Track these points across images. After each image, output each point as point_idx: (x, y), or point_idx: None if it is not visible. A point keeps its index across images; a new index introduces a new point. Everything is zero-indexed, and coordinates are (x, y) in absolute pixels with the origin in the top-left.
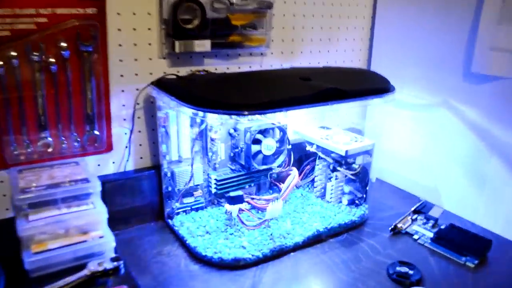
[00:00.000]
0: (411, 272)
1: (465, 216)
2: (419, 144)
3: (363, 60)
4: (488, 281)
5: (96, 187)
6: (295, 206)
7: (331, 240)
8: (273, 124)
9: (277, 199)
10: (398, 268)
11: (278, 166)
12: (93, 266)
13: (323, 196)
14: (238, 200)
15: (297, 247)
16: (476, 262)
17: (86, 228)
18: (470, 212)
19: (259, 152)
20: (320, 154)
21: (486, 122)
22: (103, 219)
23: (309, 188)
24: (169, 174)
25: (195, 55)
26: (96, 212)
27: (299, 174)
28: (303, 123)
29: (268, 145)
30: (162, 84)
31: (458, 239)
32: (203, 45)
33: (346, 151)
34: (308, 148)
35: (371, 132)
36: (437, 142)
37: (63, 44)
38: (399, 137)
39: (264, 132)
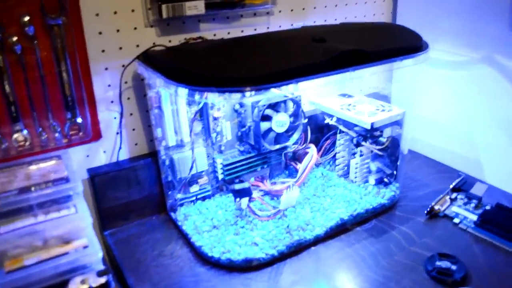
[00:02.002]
0: (454, 267)
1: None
2: (458, 109)
3: (387, 13)
4: None
5: (77, 187)
6: (314, 189)
7: (358, 229)
8: (284, 96)
9: (293, 185)
10: (438, 263)
11: (293, 144)
12: (74, 285)
13: (346, 175)
14: (244, 193)
15: (318, 240)
16: None
17: (68, 237)
18: None
19: (270, 129)
20: (341, 127)
21: None
22: (87, 225)
23: (330, 166)
24: (167, 162)
25: (189, 20)
26: (78, 217)
27: (318, 150)
28: (320, 91)
29: (280, 121)
30: (149, 58)
31: (507, 222)
32: (195, 6)
33: (372, 124)
34: (327, 120)
35: (399, 97)
36: (479, 106)
37: (25, 19)
38: (433, 101)
39: (274, 106)
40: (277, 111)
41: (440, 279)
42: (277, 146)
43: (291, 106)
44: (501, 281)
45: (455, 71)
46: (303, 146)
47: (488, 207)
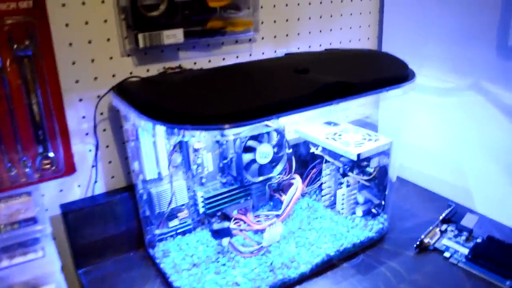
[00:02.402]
0: None
1: (505, 221)
2: (446, 136)
3: (373, 38)
4: None
5: (46, 228)
6: (300, 221)
7: (345, 265)
8: (267, 125)
9: (275, 221)
10: None
11: (277, 175)
12: None
13: (333, 205)
14: (224, 233)
15: (303, 278)
16: None
17: (35, 283)
18: (509, 214)
19: (253, 161)
20: (327, 157)
21: None
22: (55, 270)
23: (317, 196)
24: (145, 196)
25: (167, 49)
26: (46, 262)
27: (304, 180)
28: (304, 119)
29: (264, 152)
30: (124, 90)
31: (500, 256)
32: (174, 35)
33: (358, 155)
34: (313, 150)
35: (386, 124)
36: (468, 133)
37: None
38: (421, 128)
39: (257, 137)
40: (260, 142)
41: None
42: (261, 178)
43: (274, 136)
44: None
45: (442, 98)
46: (288, 176)
47: (479, 240)
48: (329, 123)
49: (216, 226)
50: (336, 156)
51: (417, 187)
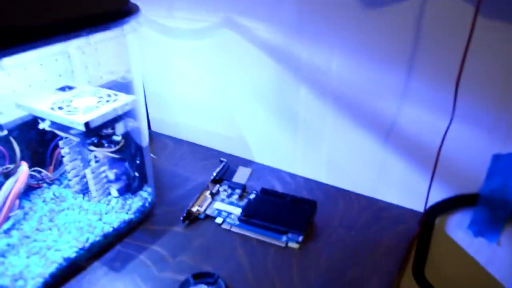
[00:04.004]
0: None
1: (282, 165)
2: (212, 83)
3: None
4: (321, 258)
5: None
6: (38, 219)
7: (95, 265)
8: None
9: None
10: None
11: None
12: None
13: (85, 190)
14: None
15: None
16: (300, 239)
17: None
18: (286, 159)
19: None
20: (58, 132)
21: (285, 40)
22: None
23: (69, 181)
24: None
25: None
26: None
27: (49, 164)
28: (36, 87)
29: None
30: None
31: (273, 210)
32: None
33: (87, 123)
34: (42, 125)
35: (146, 79)
36: (232, 77)
37: None
38: (186, 79)
39: None
40: None
41: None
42: None
43: None
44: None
45: (200, 41)
46: (15, 165)
47: (252, 196)
48: (63, 88)
49: None
50: (67, 129)
51: (193, 146)
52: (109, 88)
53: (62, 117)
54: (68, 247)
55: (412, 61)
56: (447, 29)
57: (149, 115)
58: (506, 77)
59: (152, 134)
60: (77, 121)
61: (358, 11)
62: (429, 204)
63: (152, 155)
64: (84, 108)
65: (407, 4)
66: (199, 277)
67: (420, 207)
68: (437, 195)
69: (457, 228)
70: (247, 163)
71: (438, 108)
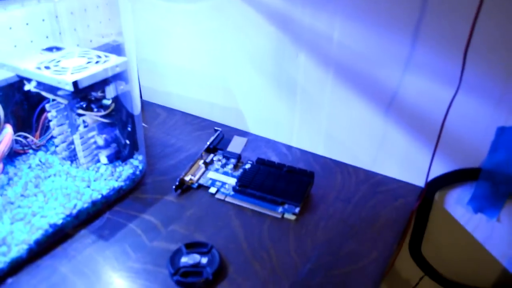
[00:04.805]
0: (204, 260)
1: (278, 137)
2: (207, 50)
3: None
4: (318, 230)
5: None
6: (23, 186)
7: (82, 232)
8: None
9: None
10: (183, 260)
11: None
12: None
13: (73, 156)
14: None
15: (19, 265)
16: (297, 210)
17: None
18: (283, 130)
19: None
20: (44, 94)
21: (286, 4)
22: None
23: (56, 147)
24: None
25: None
26: None
27: (35, 130)
28: (20, 47)
29: None
30: None
31: (269, 181)
32: None
33: (75, 83)
34: (28, 87)
35: (139, 43)
36: (229, 44)
37: None
38: (180, 46)
39: None
40: None
41: (186, 283)
42: None
43: None
44: (264, 264)
45: (194, 3)
46: None
47: (248, 166)
48: (50, 48)
49: None
50: (54, 90)
51: (186, 116)
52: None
53: (49, 77)
54: (55, 214)
55: (418, 27)
56: None
57: (140, 84)
58: None
59: (144, 103)
60: (65, 80)
61: None
62: (430, 178)
63: (143, 124)
64: (73, 68)
65: None
66: (192, 246)
67: (420, 182)
68: (438, 169)
69: (457, 203)
70: (242, 134)
71: (444, 78)
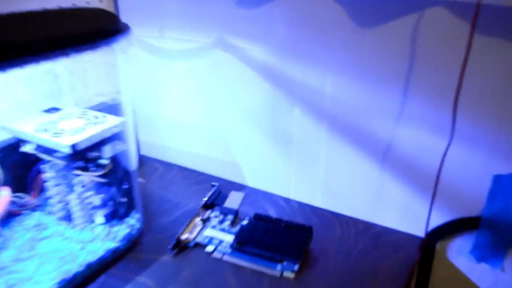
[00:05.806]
0: None
1: (275, 190)
2: (203, 105)
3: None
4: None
5: None
6: (19, 248)
7: None
8: None
9: None
10: None
11: None
12: None
13: (69, 216)
14: None
15: None
16: (296, 268)
17: None
18: (280, 183)
19: None
20: (42, 155)
21: (279, 61)
22: None
23: (53, 208)
24: None
25: None
26: None
27: (31, 190)
28: (19, 107)
29: None
30: None
31: (267, 237)
32: None
33: (73, 146)
34: (25, 148)
35: (137, 101)
36: (224, 98)
37: None
38: (176, 101)
39: None
40: None
41: None
42: None
43: None
44: None
45: (191, 61)
46: None
47: (245, 222)
48: (49, 110)
49: None
50: (51, 151)
51: (183, 170)
52: (98, 110)
53: (47, 140)
54: (49, 279)
55: (408, 81)
56: (443, 47)
57: (139, 138)
58: (504, 95)
59: (142, 158)
60: (63, 143)
61: (352, 31)
62: (429, 228)
63: (141, 179)
64: (71, 130)
65: (401, 23)
66: None
67: (419, 232)
68: (437, 219)
69: (459, 253)
70: (239, 187)
71: (436, 129)
